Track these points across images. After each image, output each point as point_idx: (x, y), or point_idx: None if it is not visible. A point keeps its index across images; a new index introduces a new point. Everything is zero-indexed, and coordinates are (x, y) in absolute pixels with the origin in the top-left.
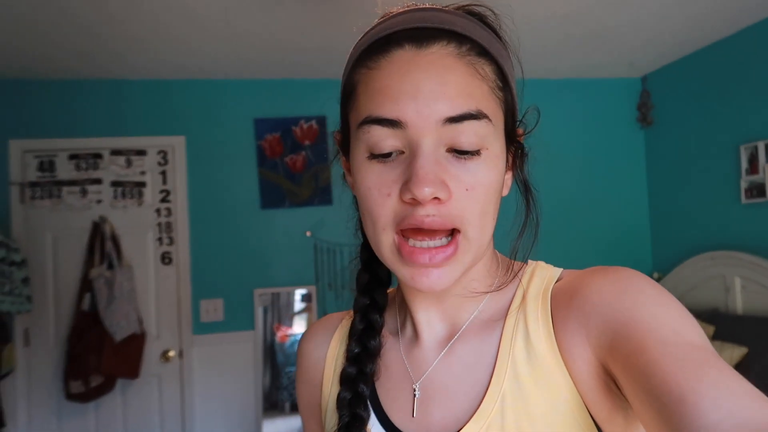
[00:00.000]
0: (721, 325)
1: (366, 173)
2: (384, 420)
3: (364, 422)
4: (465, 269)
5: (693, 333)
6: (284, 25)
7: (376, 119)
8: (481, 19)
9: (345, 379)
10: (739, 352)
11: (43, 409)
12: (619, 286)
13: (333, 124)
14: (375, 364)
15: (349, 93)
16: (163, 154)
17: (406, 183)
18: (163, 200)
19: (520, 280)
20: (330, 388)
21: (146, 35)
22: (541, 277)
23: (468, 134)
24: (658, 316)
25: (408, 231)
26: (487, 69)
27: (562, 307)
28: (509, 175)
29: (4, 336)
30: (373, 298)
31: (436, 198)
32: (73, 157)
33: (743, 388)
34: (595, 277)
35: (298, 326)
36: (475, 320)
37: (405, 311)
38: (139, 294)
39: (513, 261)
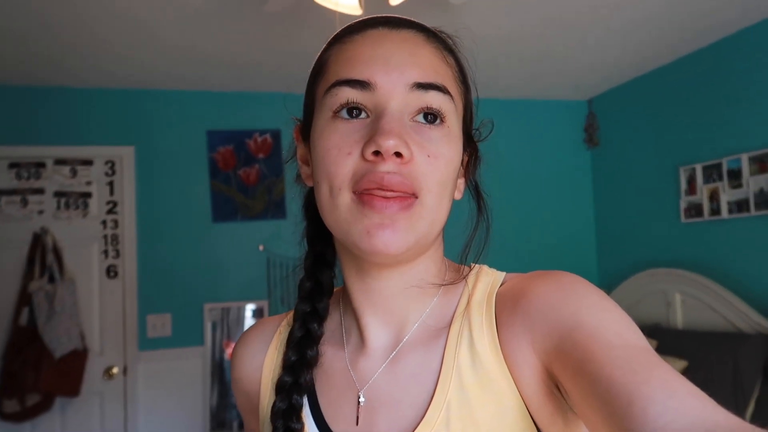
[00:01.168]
0: (663, 339)
1: (329, 134)
2: (325, 430)
3: None
4: (417, 237)
5: (635, 336)
6: (239, 38)
7: (346, 81)
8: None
9: (280, 389)
10: (679, 365)
11: None
12: (563, 291)
13: (287, 137)
14: (311, 375)
15: (318, 69)
16: (111, 164)
17: (370, 138)
18: (110, 212)
19: (466, 282)
20: (267, 397)
21: (94, 44)
22: (485, 282)
23: (434, 102)
24: (602, 321)
25: (365, 193)
26: (451, 60)
27: (506, 312)
28: (462, 181)
29: None
30: (314, 306)
31: (398, 155)
32: (13, 165)
33: (688, 389)
34: (539, 281)
35: None
36: (420, 326)
37: (351, 318)
38: (82, 308)
39: (462, 265)
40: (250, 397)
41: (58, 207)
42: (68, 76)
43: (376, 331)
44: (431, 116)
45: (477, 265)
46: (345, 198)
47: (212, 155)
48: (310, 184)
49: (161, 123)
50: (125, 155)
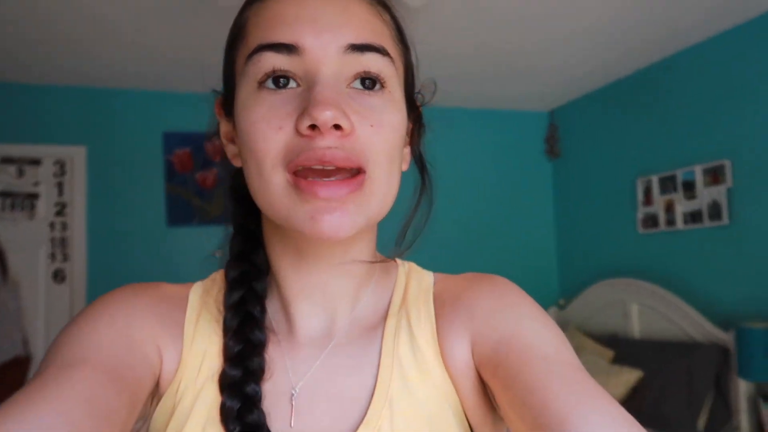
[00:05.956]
0: (620, 349)
1: (254, 106)
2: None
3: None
4: (368, 218)
5: (569, 353)
6: (199, 38)
7: (269, 45)
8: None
9: (228, 385)
10: (635, 375)
11: None
12: (504, 299)
13: None
14: (262, 359)
15: (236, 33)
16: (61, 164)
17: (304, 111)
18: (58, 213)
19: (398, 277)
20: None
21: (46, 38)
22: (419, 279)
23: (372, 65)
24: (539, 333)
25: (303, 172)
26: (388, 18)
27: (445, 311)
28: (408, 150)
29: None
30: (251, 288)
31: (337, 127)
32: None
33: (619, 415)
34: (480, 285)
35: None
36: (355, 318)
37: (277, 306)
38: (27, 313)
39: (389, 259)
40: (147, 354)
41: (3, 208)
42: (18, 71)
43: (309, 320)
44: (370, 81)
45: (405, 261)
46: (279, 178)
47: (168, 157)
48: (237, 164)
49: (116, 123)
50: (76, 155)
